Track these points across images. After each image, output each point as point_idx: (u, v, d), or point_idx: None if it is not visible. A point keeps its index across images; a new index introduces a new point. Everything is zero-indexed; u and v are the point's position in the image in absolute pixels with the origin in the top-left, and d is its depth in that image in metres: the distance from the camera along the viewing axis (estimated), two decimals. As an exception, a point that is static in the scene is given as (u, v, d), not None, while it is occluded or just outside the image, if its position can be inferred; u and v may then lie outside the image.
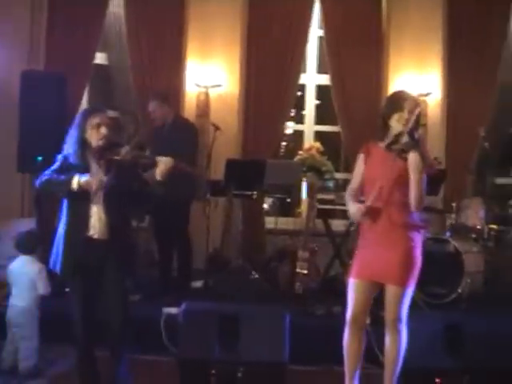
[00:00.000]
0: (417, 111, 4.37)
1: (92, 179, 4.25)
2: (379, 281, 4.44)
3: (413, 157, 4.30)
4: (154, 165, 4.42)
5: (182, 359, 5.15)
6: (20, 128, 7.46)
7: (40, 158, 7.00)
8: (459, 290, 6.62)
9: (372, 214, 4.41)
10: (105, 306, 4.43)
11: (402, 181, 4.33)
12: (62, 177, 4.26)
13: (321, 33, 8.90)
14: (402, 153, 4.31)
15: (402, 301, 4.40)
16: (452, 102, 8.59)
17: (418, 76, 8.69)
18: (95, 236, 4.35)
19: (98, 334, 4.44)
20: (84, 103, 8.46)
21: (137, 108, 8.47)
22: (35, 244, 5.47)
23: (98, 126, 4.37)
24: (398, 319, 4.42)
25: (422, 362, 4.93)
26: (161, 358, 5.55)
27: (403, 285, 4.38)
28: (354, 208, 4.46)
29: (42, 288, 5.32)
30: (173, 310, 5.65)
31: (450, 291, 6.67)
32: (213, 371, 5.08)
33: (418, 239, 4.44)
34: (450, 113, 8.60)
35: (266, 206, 8.26)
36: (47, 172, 4.36)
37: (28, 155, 7.26)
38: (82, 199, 4.30)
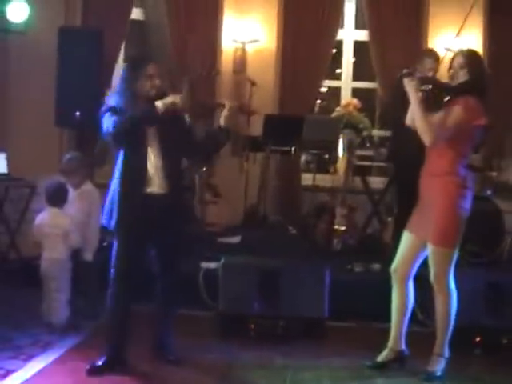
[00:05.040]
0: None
1: (175, 96, 4.24)
2: (420, 238, 4.38)
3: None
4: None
5: (221, 314, 5.18)
6: (57, 83, 7.46)
7: (78, 113, 7.07)
8: (500, 250, 6.57)
9: None
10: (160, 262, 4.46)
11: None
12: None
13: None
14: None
15: (440, 261, 4.32)
16: (492, 59, 8.42)
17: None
18: (154, 191, 4.30)
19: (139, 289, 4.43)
20: (120, 59, 8.41)
21: (173, 65, 8.40)
22: (65, 196, 5.43)
23: (151, 76, 4.34)
24: (437, 280, 4.35)
25: (463, 321, 4.87)
26: (200, 313, 5.56)
27: (439, 244, 4.29)
28: None
29: (74, 240, 5.34)
30: (212, 265, 5.65)
31: (490, 250, 6.61)
32: (252, 325, 5.12)
33: (460, 195, 4.31)
34: (491, 68, 8.41)
35: (303, 161, 8.19)
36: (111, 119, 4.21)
37: (66, 110, 7.29)
38: (138, 152, 4.26)
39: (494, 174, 7.15)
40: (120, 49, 8.35)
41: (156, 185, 4.29)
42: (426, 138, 4.24)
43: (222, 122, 4.42)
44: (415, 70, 4.42)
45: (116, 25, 8.19)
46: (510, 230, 6.60)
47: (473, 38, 8.48)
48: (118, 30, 8.25)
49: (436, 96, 4.35)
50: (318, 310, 5.13)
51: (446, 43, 8.38)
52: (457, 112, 4.21)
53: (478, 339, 5.06)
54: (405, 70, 4.32)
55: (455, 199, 4.28)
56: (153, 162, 4.28)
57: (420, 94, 4.33)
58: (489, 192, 7.00)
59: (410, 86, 4.27)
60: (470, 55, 4.51)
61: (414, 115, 4.34)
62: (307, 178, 7.93)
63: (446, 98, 4.32)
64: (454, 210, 4.28)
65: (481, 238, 6.59)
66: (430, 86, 4.37)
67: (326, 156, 7.51)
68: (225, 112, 4.41)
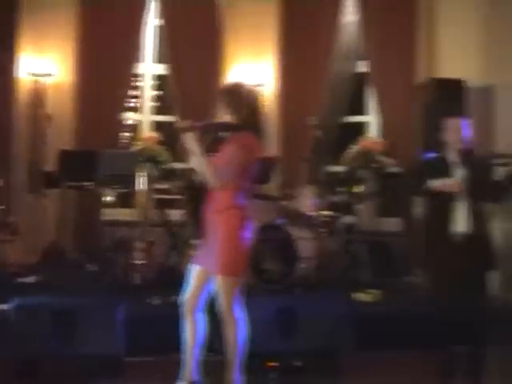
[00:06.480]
0: None
1: None
2: (206, 270, 4.46)
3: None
4: None
5: (14, 357, 5.01)
6: None
7: None
8: (293, 276, 6.81)
9: None
10: None
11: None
12: None
13: (157, 22, 8.85)
14: None
15: (226, 291, 4.39)
16: (286, 91, 8.80)
17: (253, 66, 8.83)
18: None
19: None
20: None
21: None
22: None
23: None
24: (225, 309, 4.42)
25: (256, 346, 4.92)
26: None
27: (223, 274, 4.36)
28: None
29: None
30: (3, 306, 5.45)
31: (284, 277, 6.84)
32: (47, 367, 4.99)
33: (242, 227, 4.41)
34: (284, 102, 8.80)
35: (108, 197, 8.12)
36: None
37: None
38: None
39: (287, 202, 7.43)
40: None
41: None
42: (213, 183, 4.35)
43: None
44: (189, 120, 4.46)
45: None
46: (302, 256, 6.86)
47: (267, 67, 8.84)
48: None
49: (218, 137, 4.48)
50: (114, 346, 5.07)
51: (243, 73, 8.69)
52: (232, 150, 4.33)
53: (272, 364, 5.18)
54: (178, 124, 4.36)
55: (237, 231, 4.38)
56: None
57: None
58: (281, 220, 7.26)
59: (187, 139, 4.32)
60: (230, 91, 4.56)
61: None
62: (108, 213, 7.87)
63: (221, 134, 4.44)
64: (236, 241, 4.38)
65: (275, 265, 6.84)
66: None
67: (126, 190, 7.50)
68: None
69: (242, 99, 4.47)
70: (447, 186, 4.84)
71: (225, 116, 4.46)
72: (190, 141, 4.32)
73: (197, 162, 4.37)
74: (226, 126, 4.45)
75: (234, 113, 4.42)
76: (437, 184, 4.85)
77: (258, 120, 4.51)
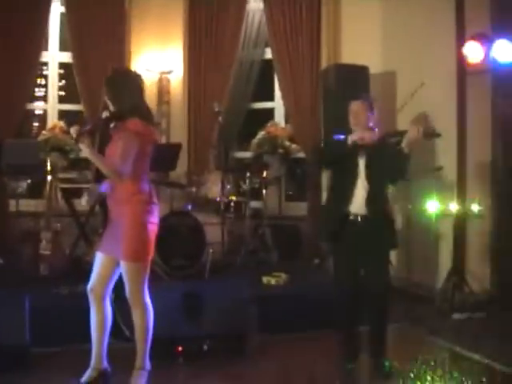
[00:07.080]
0: None
1: None
2: (112, 257, 4.50)
3: None
4: None
5: None
6: None
7: None
8: (202, 261, 6.90)
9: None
10: None
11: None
12: None
13: (63, 9, 8.73)
14: None
15: (133, 276, 4.44)
16: (193, 78, 8.84)
17: (161, 53, 8.84)
18: None
19: None
20: None
21: None
22: None
23: None
24: (132, 295, 4.48)
25: (163, 332, 4.99)
26: None
27: (130, 260, 4.41)
28: None
29: None
30: None
31: (193, 262, 6.93)
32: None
33: (146, 211, 4.45)
34: (192, 89, 8.85)
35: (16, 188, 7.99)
36: None
37: None
38: None
39: (194, 189, 7.51)
40: None
41: None
42: (116, 178, 4.39)
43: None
44: (82, 126, 4.47)
45: None
46: (210, 241, 6.96)
47: (174, 54, 8.86)
48: None
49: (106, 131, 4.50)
50: (19, 338, 5.04)
51: (148, 63, 8.69)
52: (124, 138, 4.38)
53: (179, 348, 5.25)
54: (72, 131, 4.33)
55: (141, 215, 4.42)
56: None
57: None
58: (189, 207, 7.33)
59: (83, 146, 4.32)
60: (112, 79, 4.63)
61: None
62: (15, 204, 7.75)
63: (112, 125, 4.47)
64: (142, 226, 4.42)
65: (184, 251, 6.91)
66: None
67: (32, 180, 7.42)
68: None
69: (124, 86, 4.51)
70: (364, 137, 4.85)
71: (109, 104, 4.49)
72: (84, 149, 4.34)
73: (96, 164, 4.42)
74: (110, 118, 4.47)
75: (116, 100, 4.46)
76: (354, 137, 4.85)
77: (143, 106, 4.56)
